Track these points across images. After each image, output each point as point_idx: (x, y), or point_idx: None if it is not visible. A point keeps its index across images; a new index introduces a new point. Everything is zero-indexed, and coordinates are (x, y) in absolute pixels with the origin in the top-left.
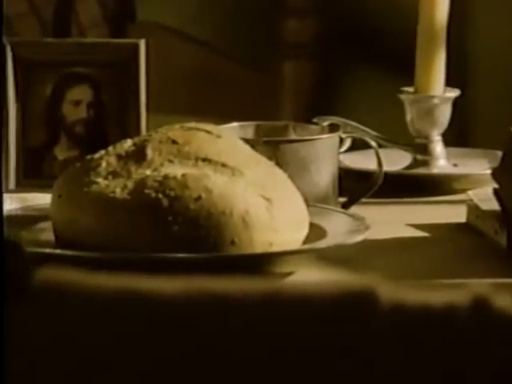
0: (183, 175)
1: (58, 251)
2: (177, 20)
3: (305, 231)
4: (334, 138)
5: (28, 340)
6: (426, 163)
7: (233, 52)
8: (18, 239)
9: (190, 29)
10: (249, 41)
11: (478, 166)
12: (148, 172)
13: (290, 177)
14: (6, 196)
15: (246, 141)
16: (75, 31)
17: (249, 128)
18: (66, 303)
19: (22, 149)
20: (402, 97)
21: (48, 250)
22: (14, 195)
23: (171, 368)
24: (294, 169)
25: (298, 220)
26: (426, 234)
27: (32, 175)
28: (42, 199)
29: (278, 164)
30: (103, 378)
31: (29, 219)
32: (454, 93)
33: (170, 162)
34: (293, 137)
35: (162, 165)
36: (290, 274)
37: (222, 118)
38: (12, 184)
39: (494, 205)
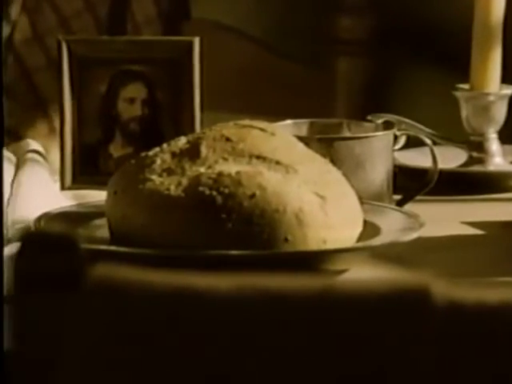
0: (237, 173)
1: (113, 248)
2: (231, 17)
3: (359, 229)
4: (389, 135)
5: (82, 337)
6: (481, 161)
7: (287, 49)
8: (73, 236)
9: (244, 26)
10: (303, 38)
11: None
12: (202, 169)
13: (344, 174)
14: (62, 193)
15: (300, 138)
16: (130, 29)
17: (303, 125)
18: (121, 300)
19: (78, 146)
20: (458, 94)
21: (103, 247)
22: (70, 192)
23: (225, 365)
24: (349, 166)
25: (351, 217)
26: (480, 232)
27: (87, 172)
28: (98, 196)
29: (332, 161)
30: (158, 374)
31: (84, 216)
32: (510, 90)
33: (224, 159)
34: (347, 134)
35: (216, 162)
36: (343, 271)
37: (276, 115)
38: (68, 181)
39: None
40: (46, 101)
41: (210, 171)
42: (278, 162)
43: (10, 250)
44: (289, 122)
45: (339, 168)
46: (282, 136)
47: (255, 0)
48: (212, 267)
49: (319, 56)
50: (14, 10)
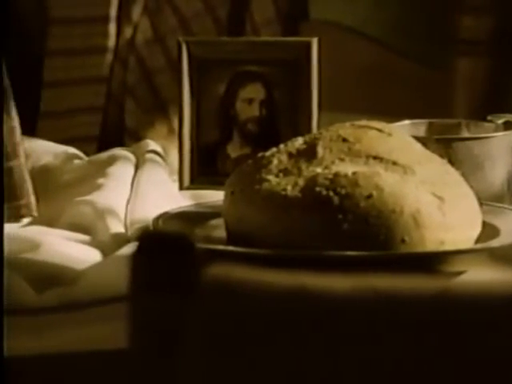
0: (354, 173)
1: (230, 248)
2: (350, 18)
3: (477, 230)
4: (509, 135)
5: (200, 336)
6: None
7: (406, 49)
8: (190, 236)
9: (362, 26)
10: (422, 38)
11: None
12: (319, 170)
13: (463, 175)
14: (180, 193)
15: (418, 139)
16: (249, 30)
17: (421, 126)
18: (237, 300)
19: (196, 147)
20: None
21: (220, 247)
22: (188, 192)
23: (338, 365)
24: (467, 167)
25: (470, 218)
26: None
27: (205, 173)
28: (215, 196)
29: (451, 162)
30: (272, 373)
31: (202, 216)
32: None
33: (341, 160)
34: (466, 135)
35: (332, 163)
36: (461, 273)
37: (394, 115)
38: (186, 181)
39: None
40: (166, 102)
41: (326, 172)
42: (395, 163)
43: (128, 249)
44: (407, 122)
45: (457, 169)
46: (400, 136)
47: (374, 0)
48: (328, 268)
49: (439, 56)
50: (136, 12)
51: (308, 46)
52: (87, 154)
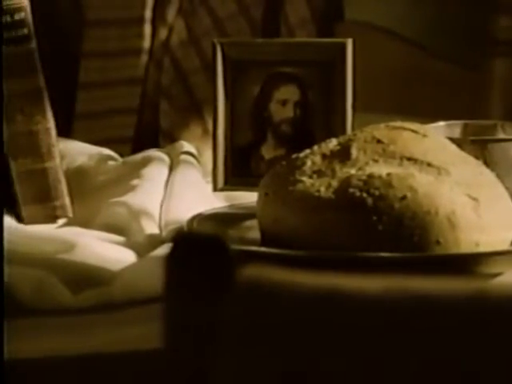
0: (388, 174)
1: (264, 249)
2: (384, 19)
3: None
4: None
5: (234, 337)
6: None
7: (441, 50)
8: (224, 237)
9: (397, 27)
10: (457, 38)
11: None
12: (352, 171)
13: (498, 176)
14: (214, 194)
15: (453, 140)
16: (284, 31)
17: (456, 127)
18: (271, 301)
19: (230, 148)
20: None
21: (254, 248)
22: (222, 193)
23: (372, 368)
24: (502, 168)
25: (505, 220)
26: None
27: (239, 174)
28: (249, 198)
29: (486, 163)
30: (305, 373)
31: (236, 217)
32: None
33: (375, 161)
34: (501, 136)
35: (366, 164)
36: (497, 275)
37: (429, 116)
38: (220, 183)
39: None
40: (200, 103)
41: (360, 173)
42: (429, 164)
43: (163, 250)
44: (441, 123)
45: (493, 170)
46: (434, 138)
47: (409, 1)
48: (362, 269)
49: (474, 57)
50: (171, 14)
51: (343, 47)
52: (122, 155)
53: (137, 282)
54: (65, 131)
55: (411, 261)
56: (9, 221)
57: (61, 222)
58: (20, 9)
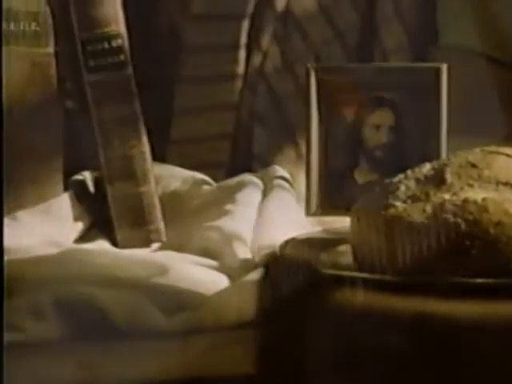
0: (483, 199)
1: (356, 274)
2: (480, 43)
3: None
4: None
5: (324, 360)
6: None
7: None
8: (316, 262)
9: (493, 52)
10: None
11: None
12: (447, 196)
13: None
14: (307, 219)
15: None
16: (378, 56)
17: None
18: (363, 325)
19: (324, 172)
20: None
21: (346, 273)
22: (315, 218)
23: None
24: None
25: None
26: None
27: (333, 198)
28: (342, 222)
29: None
30: None
31: (329, 242)
32: None
33: (470, 186)
34: None
35: (461, 189)
36: None
37: None
38: (313, 207)
39: None
40: (294, 128)
41: (454, 198)
42: None
43: (255, 275)
44: None
45: None
46: None
47: (506, 26)
48: (456, 295)
49: None
50: (265, 40)
51: (438, 71)
52: (216, 179)
53: (228, 306)
54: (160, 156)
55: (506, 287)
56: (104, 244)
57: (155, 245)
58: (117, 36)
